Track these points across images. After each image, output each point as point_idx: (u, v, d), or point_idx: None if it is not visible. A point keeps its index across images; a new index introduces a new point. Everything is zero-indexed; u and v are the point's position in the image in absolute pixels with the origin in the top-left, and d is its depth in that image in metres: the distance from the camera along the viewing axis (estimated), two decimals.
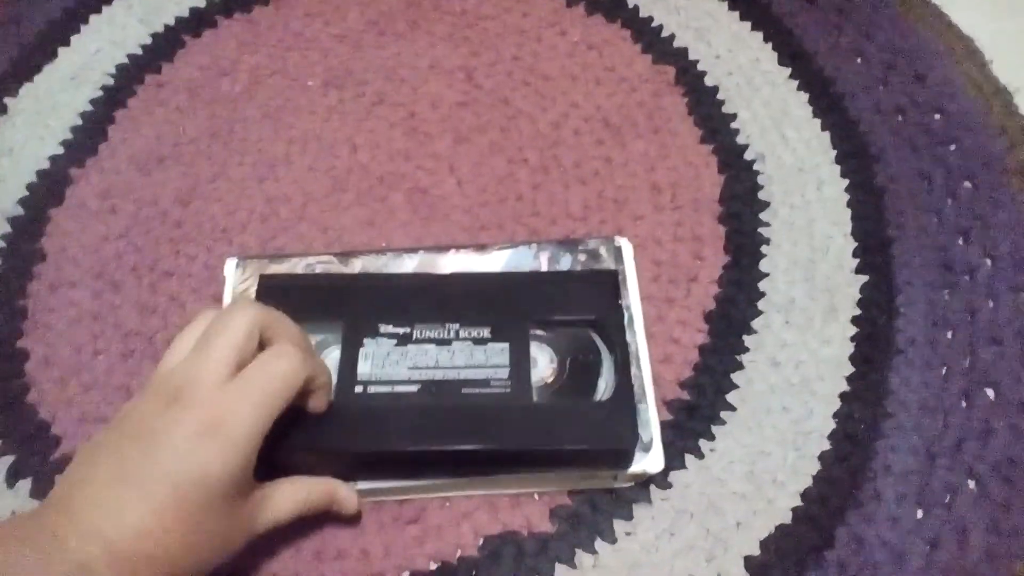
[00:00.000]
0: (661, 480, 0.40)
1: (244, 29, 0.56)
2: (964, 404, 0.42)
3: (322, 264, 0.42)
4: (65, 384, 0.43)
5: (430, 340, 0.38)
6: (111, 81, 0.54)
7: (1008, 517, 0.39)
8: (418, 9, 0.56)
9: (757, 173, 0.49)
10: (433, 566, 0.38)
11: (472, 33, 0.55)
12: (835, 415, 0.42)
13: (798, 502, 0.39)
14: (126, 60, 0.55)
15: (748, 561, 0.38)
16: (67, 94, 0.54)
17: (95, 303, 0.45)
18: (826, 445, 0.41)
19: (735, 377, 0.43)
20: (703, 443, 0.41)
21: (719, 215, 0.48)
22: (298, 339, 0.35)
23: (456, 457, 0.36)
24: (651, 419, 0.38)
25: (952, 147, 0.49)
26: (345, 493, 0.36)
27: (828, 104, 0.52)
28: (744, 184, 0.49)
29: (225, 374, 0.31)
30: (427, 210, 0.48)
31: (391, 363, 0.38)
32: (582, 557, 0.38)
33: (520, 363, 0.38)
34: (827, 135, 0.50)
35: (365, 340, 0.38)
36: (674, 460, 0.40)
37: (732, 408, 0.42)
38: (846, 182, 0.49)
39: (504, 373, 0.38)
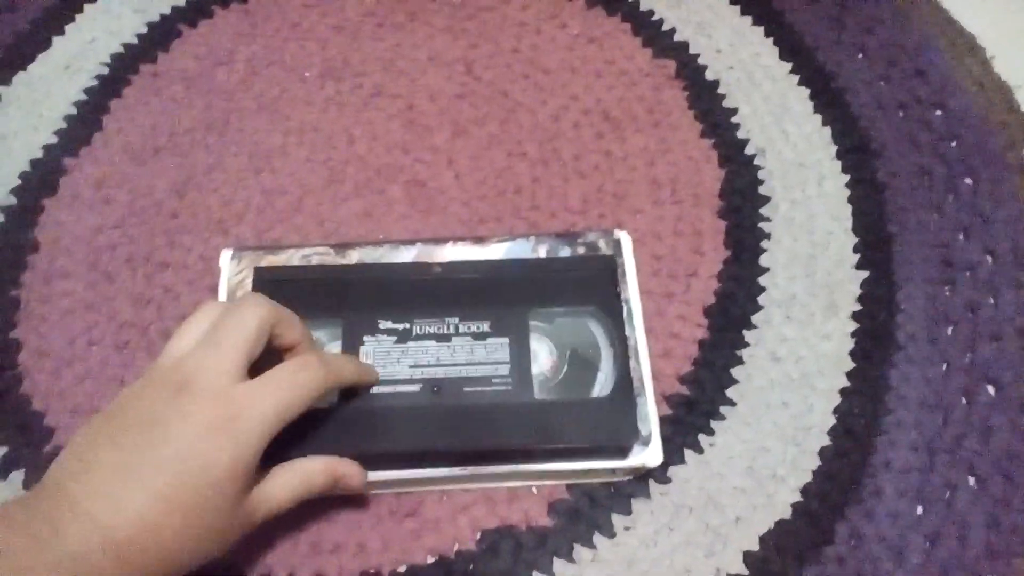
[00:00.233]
0: (660, 475, 0.40)
1: (241, 19, 0.55)
2: (964, 400, 0.42)
3: (318, 256, 0.41)
4: (58, 375, 0.43)
5: (430, 336, 0.38)
6: (106, 70, 0.53)
7: (1008, 514, 0.39)
8: (416, 0, 0.56)
9: (758, 168, 0.49)
10: (430, 560, 0.38)
11: (471, 25, 0.55)
12: (835, 411, 0.41)
13: (798, 497, 0.39)
14: (121, 49, 0.54)
15: (747, 556, 0.38)
16: (61, 83, 0.53)
17: (89, 294, 0.45)
18: (826, 441, 0.41)
19: (735, 372, 0.42)
20: (702, 438, 0.41)
21: (719, 210, 0.47)
22: (309, 341, 0.35)
23: (460, 455, 0.37)
24: (650, 413, 0.38)
25: (953, 143, 0.49)
26: (347, 469, 0.35)
27: (829, 99, 0.51)
28: (744, 179, 0.48)
29: (237, 368, 0.31)
30: (425, 203, 0.48)
31: (392, 362, 0.38)
32: (580, 551, 0.38)
33: (521, 359, 0.38)
34: (828, 130, 0.50)
35: (365, 338, 0.38)
36: (673, 455, 0.40)
37: (732, 403, 0.42)
38: (847, 177, 0.48)
39: (505, 370, 0.38)
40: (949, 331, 0.43)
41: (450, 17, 0.55)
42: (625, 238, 0.42)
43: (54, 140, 0.51)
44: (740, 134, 0.50)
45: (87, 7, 0.56)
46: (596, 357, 0.39)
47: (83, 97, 0.52)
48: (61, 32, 0.55)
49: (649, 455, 0.37)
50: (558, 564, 0.38)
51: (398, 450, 0.36)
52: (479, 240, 0.42)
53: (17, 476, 0.40)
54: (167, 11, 0.56)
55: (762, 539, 0.38)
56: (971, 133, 0.49)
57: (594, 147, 0.49)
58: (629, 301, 0.40)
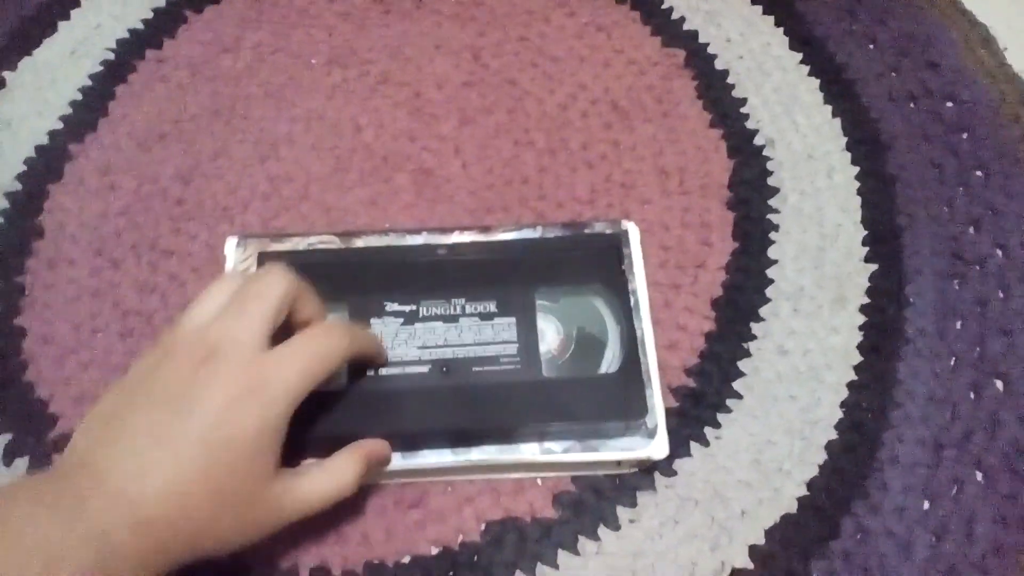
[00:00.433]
0: (665, 467, 0.39)
1: (247, 5, 0.55)
2: (972, 395, 0.41)
3: (324, 244, 0.41)
4: (63, 362, 0.42)
5: (437, 317, 0.38)
6: (112, 56, 0.53)
7: (1015, 509, 0.38)
8: None
9: (767, 159, 0.48)
10: (435, 551, 0.38)
11: (479, 12, 0.54)
12: (842, 404, 0.41)
13: (804, 491, 0.39)
14: (127, 35, 0.54)
15: (753, 550, 0.38)
16: (67, 68, 0.53)
17: (94, 281, 0.45)
18: (833, 434, 0.40)
19: (742, 365, 0.42)
20: (708, 431, 0.41)
21: (728, 201, 0.47)
22: (323, 316, 0.35)
23: (470, 434, 0.37)
24: (656, 405, 0.37)
25: (964, 135, 0.49)
26: (372, 447, 0.34)
27: (839, 90, 0.51)
28: (753, 170, 0.48)
29: (262, 336, 0.30)
30: (432, 191, 0.47)
31: (400, 343, 0.38)
32: (585, 543, 0.38)
33: (528, 338, 0.38)
34: (838, 122, 0.50)
35: (372, 320, 0.38)
36: (679, 447, 0.40)
37: (738, 396, 0.41)
38: (856, 169, 0.48)
39: (513, 349, 0.38)
40: (958, 325, 0.43)
41: (458, 4, 0.55)
42: (633, 228, 0.42)
43: (59, 126, 0.50)
44: (749, 125, 0.50)
45: None
46: (603, 334, 0.39)
47: (88, 83, 0.52)
48: (67, 17, 0.55)
49: (655, 448, 0.37)
50: (563, 556, 0.38)
51: (409, 430, 0.36)
52: (485, 229, 0.41)
53: (21, 463, 0.40)
54: None
55: (768, 533, 0.38)
56: (983, 126, 0.49)
57: (602, 137, 0.49)
58: (636, 292, 0.40)
